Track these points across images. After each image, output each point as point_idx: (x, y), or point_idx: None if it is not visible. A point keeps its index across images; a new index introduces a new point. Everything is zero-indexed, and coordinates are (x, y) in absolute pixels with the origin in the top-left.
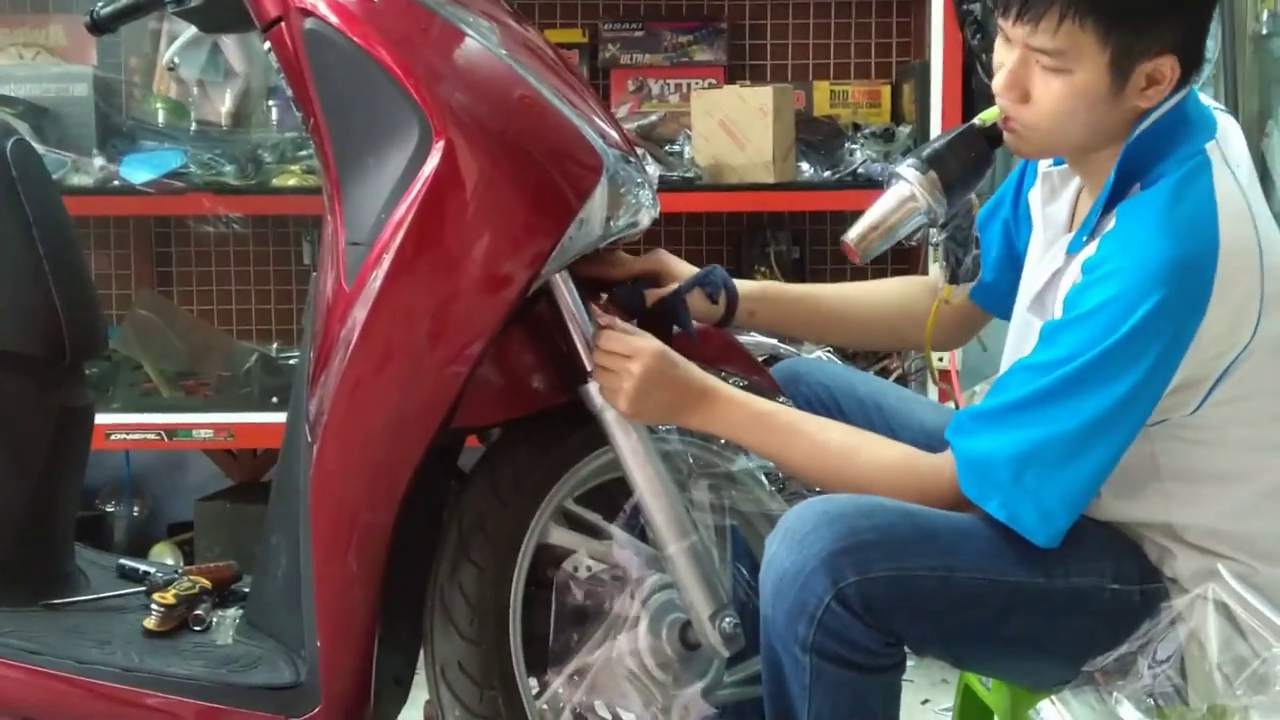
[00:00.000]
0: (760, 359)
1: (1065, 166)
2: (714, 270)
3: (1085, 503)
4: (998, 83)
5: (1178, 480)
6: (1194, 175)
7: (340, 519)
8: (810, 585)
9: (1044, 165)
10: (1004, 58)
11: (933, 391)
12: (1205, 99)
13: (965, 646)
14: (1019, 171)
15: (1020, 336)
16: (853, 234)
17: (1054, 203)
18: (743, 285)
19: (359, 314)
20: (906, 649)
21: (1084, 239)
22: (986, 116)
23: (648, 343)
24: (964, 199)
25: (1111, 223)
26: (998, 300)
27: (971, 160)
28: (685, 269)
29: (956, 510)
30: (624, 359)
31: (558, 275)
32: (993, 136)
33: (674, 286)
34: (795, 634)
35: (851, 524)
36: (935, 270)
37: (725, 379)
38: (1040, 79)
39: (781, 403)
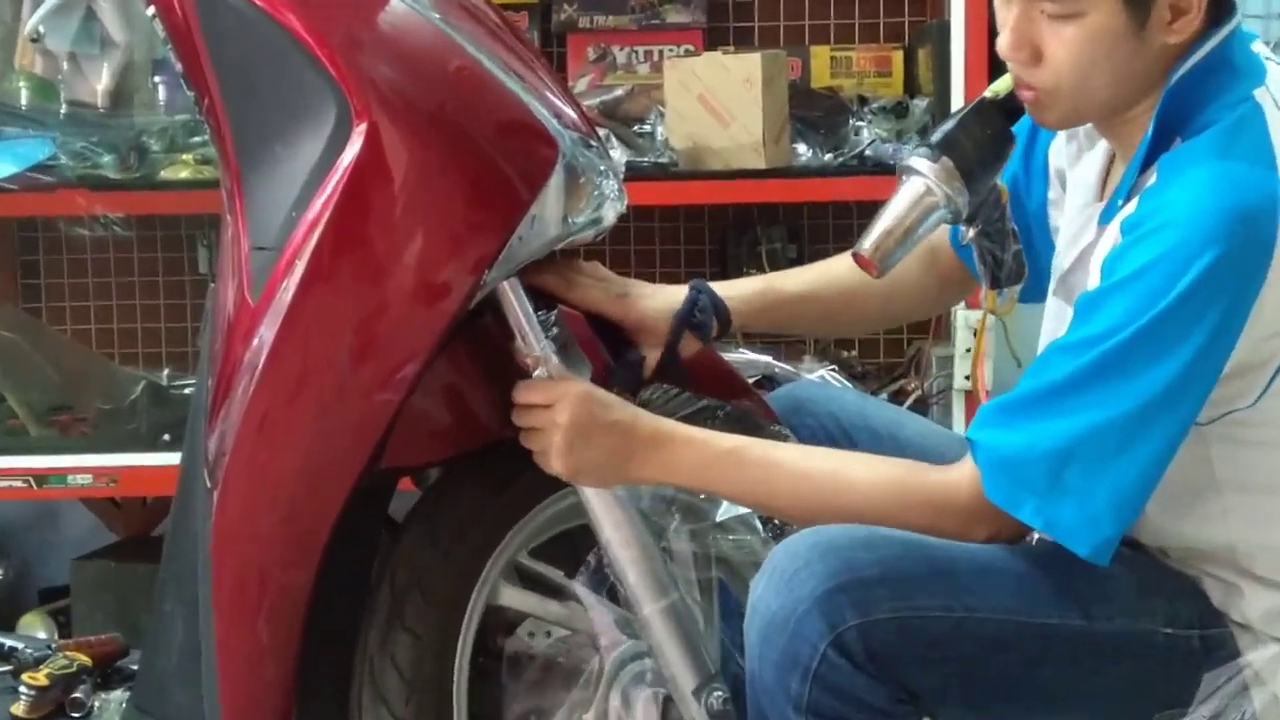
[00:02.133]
0: (752, 380)
1: (1091, 126)
2: (697, 298)
3: (1138, 506)
4: (1002, 44)
5: (1239, 492)
6: (1245, 121)
7: (247, 580)
8: (803, 631)
9: None
10: (1004, 16)
11: (958, 418)
12: (1259, 47)
13: (989, 701)
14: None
15: (1052, 330)
16: (867, 245)
17: (1080, 164)
18: (734, 288)
19: (267, 332)
20: (920, 706)
21: (1119, 203)
22: (998, 88)
23: (570, 386)
24: (988, 185)
25: (1152, 178)
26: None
27: (989, 139)
28: (656, 302)
29: (977, 530)
30: (544, 410)
31: (506, 283)
32: (1011, 109)
33: (659, 344)
34: (787, 691)
35: (849, 557)
36: (943, 235)
37: (710, 409)
38: (1049, 31)
39: (777, 434)
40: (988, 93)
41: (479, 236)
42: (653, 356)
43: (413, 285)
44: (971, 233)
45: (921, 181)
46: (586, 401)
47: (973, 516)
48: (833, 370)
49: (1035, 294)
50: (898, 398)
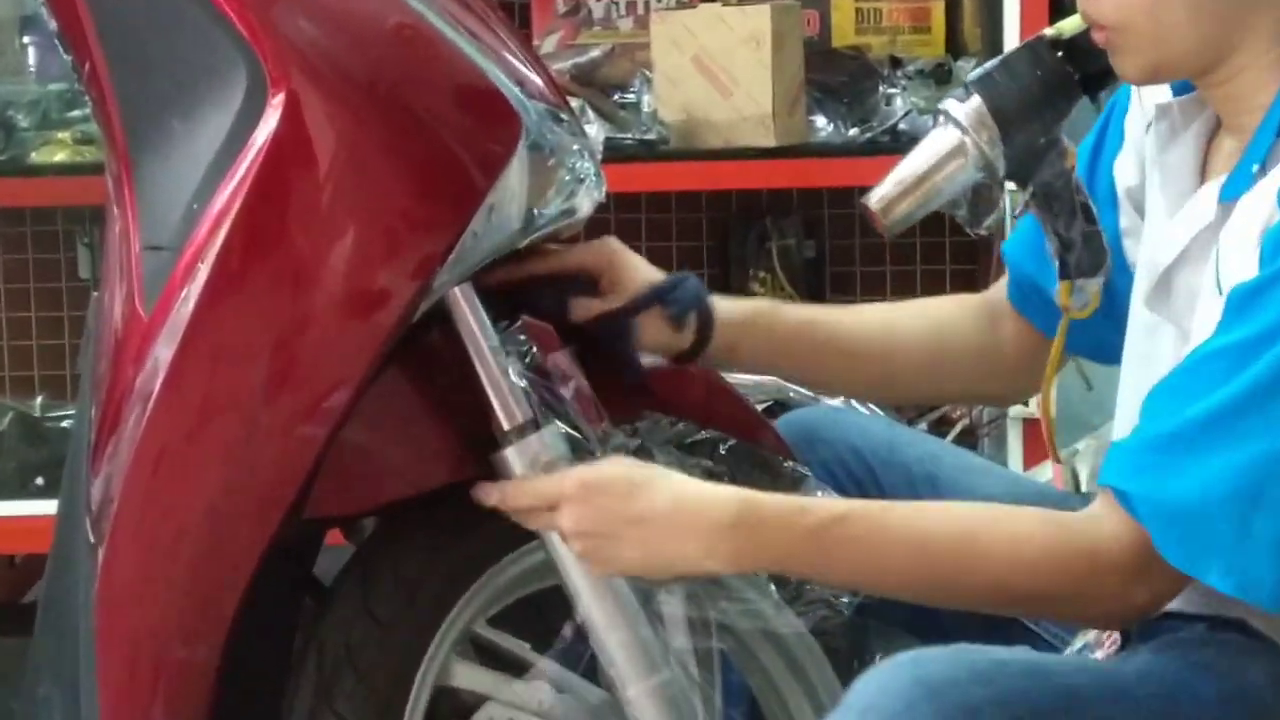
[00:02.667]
0: (761, 406)
1: (1190, 97)
2: (684, 281)
3: None
4: None
5: None
6: None
7: (139, 657)
8: None
9: (1159, 94)
10: None
11: (1015, 453)
12: None
13: None
14: (1091, 141)
15: (1145, 350)
16: (875, 195)
17: (1174, 147)
18: (724, 306)
19: (163, 352)
20: None
21: (1254, 170)
22: (1064, 26)
23: (564, 483)
24: (1034, 138)
25: None
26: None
27: (1037, 82)
28: (645, 273)
29: (1138, 592)
30: (547, 514)
31: (457, 290)
32: (1078, 51)
33: (624, 300)
34: None
35: (965, 695)
36: (1002, 284)
37: (711, 443)
38: None
39: (792, 473)
40: (1049, 30)
41: (424, 233)
42: (598, 310)
43: (343, 294)
44: (1022, 200)
45: (954, 134)
46: (593, 498)
47: (1133, 577)
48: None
49: (1108, 351)
50: (939, 428)
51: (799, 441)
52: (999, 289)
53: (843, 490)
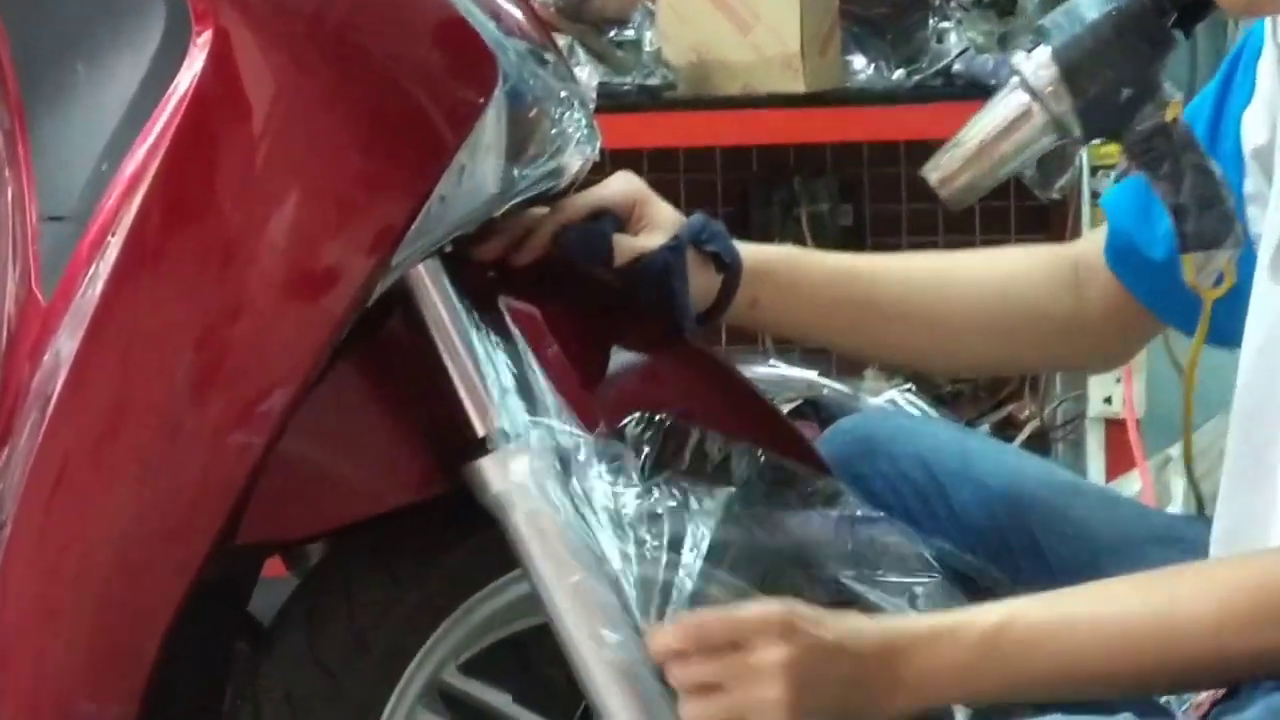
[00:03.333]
0: (788, 407)
1: None
2: (710, 221)
3: None
4: None
5: None
6: None
7: (38, 716)
8: None
9: None
10: None
11: (1095, 460)
12: None
13: None
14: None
15: (1272, 333)
16: (934, 166)
17: None
18: (742, 250)
19: (66, 344)
20: None
21: None
22: None
23: (770, 614)
24: (1112, 87)
25: None
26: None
27: (1110, 21)
28: (671, 209)
29: None
30: (741, 664)
31: (422, 267)
32: None
33: (663, 239)
34: None
35: None
36: (1094, 236)
37: (746, 454)
38: None
39: (828, 489)
40: None
41: (381, 199)
42: (637, 248)
43: (283, 273)
44: (1125, 161)
45: (1013, 84)
46: (801, 633)
47: None
48: (906, 391)
49: (1223, 333)
50: (1005, 431)
51: (857, 453)
52: (1088, 241)
53: (906, 509)
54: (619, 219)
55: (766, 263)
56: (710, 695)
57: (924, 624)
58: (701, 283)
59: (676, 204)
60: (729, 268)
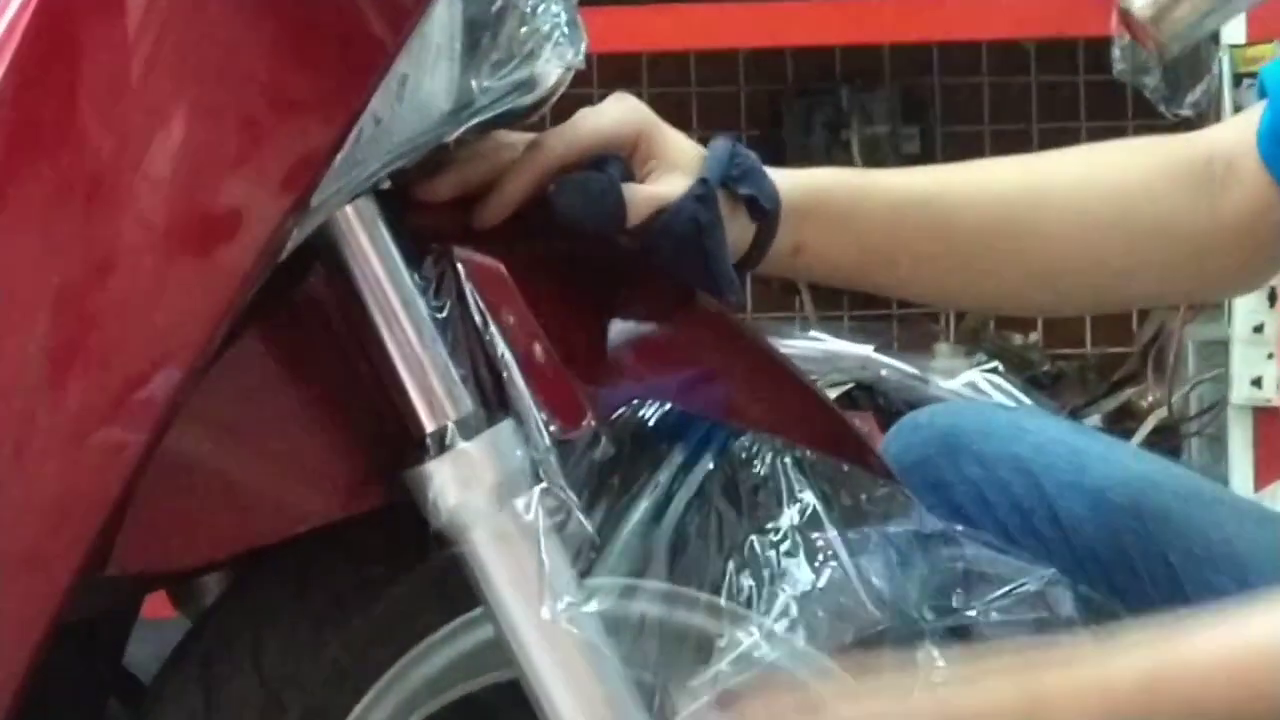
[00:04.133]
0: (836, 391)
1: None
2: (737, 147)
3: None
4: None
5: None
6: None
7: None
8: None
9: None
10: None
11: (1240, 460)
12: None
13: None
14: None
15: None
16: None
17: None
18: (779, 181)
19: None
20: None
21: None
22: None
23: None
24: None
25: None
26: None
27: None
28: (685, 141)
29: None
30: None
31: (350, 209)
32: None
33: (685, 178)
34: None
35: None
36: (1235, 123)
37: (777, 453)
38: None
39: (893, 498)
40: None
41: (296, 119)
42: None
43: (167, 217)
44: None
45: None
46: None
47: None
48: (991, 372)
49: None
50: (1121, 423)
51: (934, 454)
52: (1228, 130)
53: (1000, 526)
54: (624, 161)
55: (812, 195)
56: None
57: (1058, 689)
58: (730, 231)
59: (687, 127)
60: (766, 214)
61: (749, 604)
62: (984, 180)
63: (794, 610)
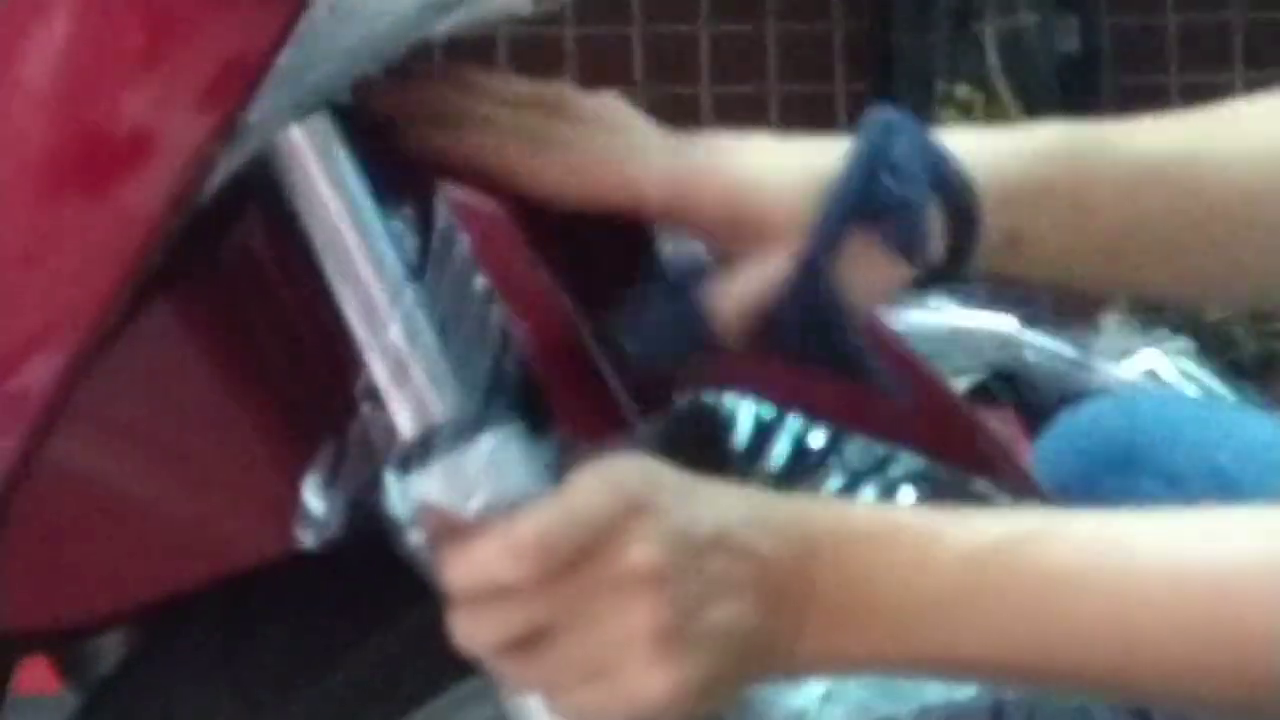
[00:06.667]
0: (963, 381)
1: None
2: (889, 138)
3: None
4: None
5: None
6: None
7: None
8: None
9: None
10: None
11: None
12: None
13: None
14: None
15: None
16: None
17: None
18: (979, 153)
19: None
20: None
21: None
22: None
23: (618, 477)
24: None
25: None
26: None
27: None
28: (759, 163)
29: None
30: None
31: (299, 131)
32: None
33: (785, 250)
34: None
35: None
36: None
37: (880, 464)
38: None
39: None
40: None
41: (225, 12)
42: (751, 282)
43: (51, 141)
44: None
45: None
46: (669, 507)
47: None
48: (1180, 356)
49: None
50: None
51: (1103, 465)
52: None
53: None
54: (700, 264)
55: (1034, 170)
56: (535, 651)
57: (879, 517)
58: (889, 268)
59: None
60: (963, 214)
61: None
62: (1235, 136)
63: None
